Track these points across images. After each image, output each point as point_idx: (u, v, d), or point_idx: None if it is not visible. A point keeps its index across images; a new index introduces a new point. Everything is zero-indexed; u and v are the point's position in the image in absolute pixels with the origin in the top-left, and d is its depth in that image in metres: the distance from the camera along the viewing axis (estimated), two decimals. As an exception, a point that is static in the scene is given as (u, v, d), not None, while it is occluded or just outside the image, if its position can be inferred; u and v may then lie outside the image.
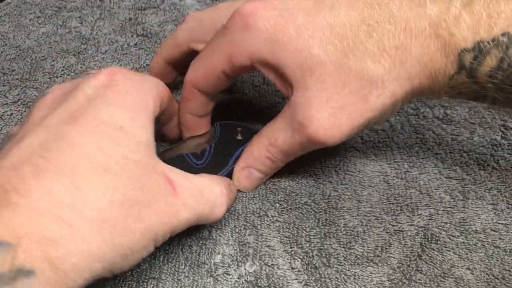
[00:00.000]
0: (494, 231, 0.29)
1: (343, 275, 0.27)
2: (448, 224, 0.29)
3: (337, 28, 0.25)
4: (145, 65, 0.39)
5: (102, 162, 0.20)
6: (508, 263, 0.27)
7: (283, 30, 0.25)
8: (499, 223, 0.29)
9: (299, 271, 0.27)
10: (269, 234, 0.28)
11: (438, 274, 0.27)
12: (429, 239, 0.28)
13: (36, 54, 0.39)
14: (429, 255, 0.28)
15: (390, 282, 0.26)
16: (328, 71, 0.25)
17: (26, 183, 0.19)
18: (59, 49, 0.40)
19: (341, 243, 0.28)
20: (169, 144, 0.33)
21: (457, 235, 0.28)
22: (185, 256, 0.27)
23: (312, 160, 0.32)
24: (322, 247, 0.28)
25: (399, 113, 0.35)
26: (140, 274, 0.26)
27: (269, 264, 0.27)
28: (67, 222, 0.18)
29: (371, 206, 0.30)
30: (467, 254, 0.28)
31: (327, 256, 0.27)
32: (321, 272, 0.27)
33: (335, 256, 0.27)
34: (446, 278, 0.27)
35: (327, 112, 0.25)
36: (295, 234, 0.28)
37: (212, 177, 0.26)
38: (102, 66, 0.39)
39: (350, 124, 0.25)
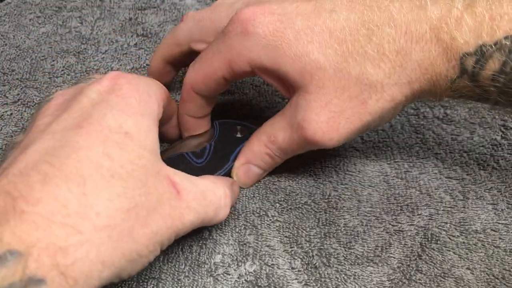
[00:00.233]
0: (494, 231, 0.29)
1: (343, 275, 0.27)
2: (448, 224, 0.29)
3: (336, 32, 0.24)
4: (145, 65, 0.39)
5: (108, 168, 0.20)
6: (508, 263, 0.27)
7: (282, 36, 0.25)
8: (499, 223, 0.29)
9: (299, 271, 0.27)
10: (269, 234, 0.28)
11: (438, 274, 0.27)
12: (429, 239, 0.28)
13: (36, 54, 0.39)
14: (429, 255, 0.28)
15: (390, 282, 0.26)
16: (327, 75, 0.25)
17: (33, 190, 0.19)
18: (59, 49, 0.40)
19: (341, 243, 0.28)
20: (168, 144, 0.33)
21: (457, 235, 0.28)
22: (185, 256, 0.27)
23: (312, 160, 0.32)
24: (322, 247, 0.28)
25: (399, 113, 0.35)
26: (140, 274, 0.26)
27: (269, 264, 0.27)
28: (76, 229, 0.18)
29: (371, 206, 0.30)
30: (467, 254, 0.28)
31: (327, 256, 0.27)
32: (321, 272, 0.27)
33: (335, 256, 0.27)
34: (446, 278, 0.27)
35: (326, 115, 0.25)
36: (295, 234, 0.28)
37: (215, 179, 0.26)
38: (102, 66, 0.39)
39: (348, 128, 0.25)
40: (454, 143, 0.33)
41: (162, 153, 0.30)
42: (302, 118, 0.26)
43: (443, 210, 0.30)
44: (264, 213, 0.29)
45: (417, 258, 0.27)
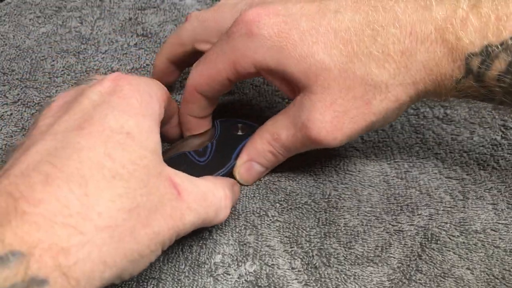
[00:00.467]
0: (494, 231, 0.29)
1: (343, 275, 0.27)
2: (448, 224, 0.29)
3: (341, 33, 0.24)
4: (145, 65, 0.39)
5: (110, 168, 0.20)
6: (508, 263, 0.27)
7: (287, 37, 0.25)
8: (499, 223, 0.29)
9: (299, 271, 0.27)
10: (269, 234, 0.28)
11: (438, 274, 0.27)
12: (429, 239, 0.28)
13: (36, 54, 0.39)
14: (429, 255, 0.28)
15: (390, 282, 0.26)
16: (332, 76, 0.25)
17: (35, 191, 0.18)
18: (59, 49, 0.40)
19: (341, 242, 0.28)
20: (168, 144, 0.33)
21: (457, 235, 0.28)
22: (185, 256, 0.27)
23: (312, 160, 0.32)
24: (322, 247, 0.28)
25: (399, 113, 0.35)
26: (140, 274, 0.26)
27: (269, 264, 0.27)
28: (78, 230, 0.18)
29: (371, 206, 0.30)
30: (467, 254, 0.28)
31: (327, 256, 0.27)
32: (321, 272, 0.27)
33: (335, 256, 0.27)
34: (446, 278, 0.27)
35: (330, 115, 0.25)
36: (295, 234, 0.28)
37: (215, 180, 0.26)
38: (102, 66, 0.39)
39: (352, 128, 0.26)
40: (454, 143, 0.33)
41: (164, 153, 0.30)
42: (307, 117, 0.26)
43: (443, 210, 0.30)
44: (264, 213, 0.29)
45: (417, 258, 0.27)
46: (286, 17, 0.25)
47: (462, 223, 0.29)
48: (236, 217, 0.29)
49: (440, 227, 0.29)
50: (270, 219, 0.29)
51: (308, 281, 0.26)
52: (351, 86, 0.25)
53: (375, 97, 0.25)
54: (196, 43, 0.31)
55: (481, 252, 0.28)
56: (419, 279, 0.27)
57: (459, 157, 0.33)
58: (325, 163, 0.32)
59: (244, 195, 0.30)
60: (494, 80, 0.23)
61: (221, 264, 0.27)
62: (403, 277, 0.27)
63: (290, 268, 0.27)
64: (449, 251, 0.28)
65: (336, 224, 0.29)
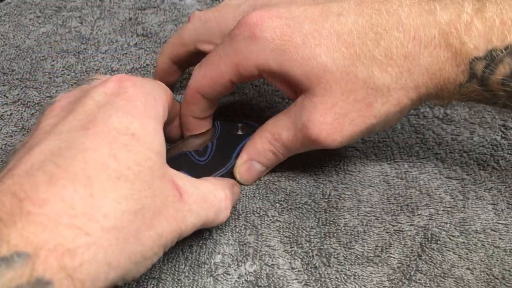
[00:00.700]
0: (494, 231, 0.29)
1: (343, 275, 0.27)
2: (448, 224, 0.29)
3: (344, 36, 0.24)
4: (145, 65, 0.39)
5: (115, 169, 0.20)
6: (508, 263, 0.27)
7: (289, 40, 0.25)
8: (499, 223, 0.29)
9: (299, 271, 0.27)
10: (269, 234, 0.28)
11: (438, 274, 0.27)
12: (429, 239, 0.28)
13: (36, 54, 0.39)
14: (429, 255, 0.28)
15: (390, 282, 0.26)
16: (334, 78, 0.25)
17: (40, 191, 0.18)
18: (59, 49, 0.40)
19: (341, 242, 0.28)
20: (168, 144, 0.33)
21: (457, 235, 0.28)
22: (185, 256, 0.27)
23: (312, 160, 0.32)
24: (322, 247, 0.28)
25: (399, 113, 0.35)
26: (140, 274, 0.26)
27: (269, 264, 0.27)
28: (84, 230, 0.18)
29: (371, 206, 0.30)
30: (467, 254, 0.28)
31: (327, 256, 0.27)
32: (321, 272, 0.27)
33: (335, 256, 0.27)
34: (446, 278, 0.27)
35: (331, 117, 0.25)
36: (295, 234, 0.28)
37: (216, 181, 0.26)
38: (102, 66, 0.39)
39: (352, 130, 0.26)
40: (454, 143, 0.33)
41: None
42: (307, 119, 0.26)
43: (443, 210, 0.30)
44: (264, 213, 0.29)
45: (417, 258, 0.27)
46: (289, 20, 0.25)
47: (462, 223, 0.29)
48: (236, 217, 0.29)
49: (440, 227, 0.29)
50: (270, 219, 0.29)
51: (308, 281, 0.26)
52: (353, 89, 0.25)
53: (376, 100, 0.25)
54: (198, 44, 0.31)
55: (481, 252, 0.28)
56: (419, 279, 0.27)
57: (459, 157, 0.33)
58: (325, 163, 0.32)
59: (244, 195, 0.30)
60: (498, 84, 0.23)
61: (221, 264, 0.27)
62: (403, 277, 0.27)
63: (290, 268, 0.27)
64: (449, 251, 0.28)
65: (336, 224, 0.29)
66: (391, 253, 0.28)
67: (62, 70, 0.38)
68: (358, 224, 0.29)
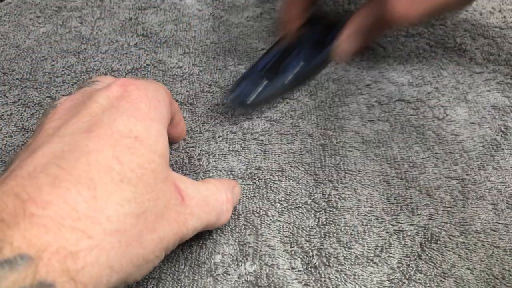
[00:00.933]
0: (494, 231, 0.29)
1: (343, 275, 0.27)
2: (448, 224, 0.29)
3: None
4: (145, 65, 0.39)
5: (119, 172, 0.20)
6: (508, 263, 0.27)
7: None
8: (499, 223, 0.29)
9: (299, 271, 0.27)
10: (269, 233, 0.28)
11: (438, 274, 0.27)
12: (429, 239, 0.28)
13: (36, 54, 0.39)
14: (429, 255, 0.28)
15: (390, 282, 0.26)
16: None
17: (43, 193, 0.18)
18: (59, 49, 0.40)
19: (341, 242, 0.28)
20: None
21: (457, 235, 0.28)
22: (185, 256, 0.27)
23: (312, 160, 0.32)
24: (322, 247, 0.28)
25: (399, 113, 0.35)
26: (140, 274, 0.26)
27: (269, 264, 0.27)
28: (87, 233, 0.18)
29: (371, 206, 0.30)
30: (467, 254, 0.28)
31: (327, 256, 0.27)
32: (321, 272, 0.27)
33: (335, 256, 0.27)
34: (446, 278, 0.27)
35: None
36: (295, 234, 0.28)
37: (218, 184, 0.26)
38: (102, 66, 0.39)
39: (425, 7, 0.30)
40: (454, 143, 0.33)
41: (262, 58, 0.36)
42: (386, 0, 0.30)
43: (443, 210, 0.30)
44: (264, 213, 0.29)
45: (417, 258, 0.27)
46: None
47: (462, 223, 0.29)
48: (236, 217, 0.29)
49: (440, 227, 0.29)
50: (270, 219, 0.29)
51: (308, 281, 0.26)
52: None
53: None
54: None
55: (481, 252, 0.28)
56: (419, 279, 0.27)
57: (459, 157, 0.33)
58: (325, 163, 0.32)
59: (244, 195, 0.30)
60: None
61: (221, 264, 0.27)
62: (403, 277, 0.27)
63: (290, 268, 0.27)
64: (449, 251, 0.28)
65: (336, 224, 0.29)
66: (391, 253, 0.28)
67: (62, 70, 0.38)
68: (358, 224, 0.29)
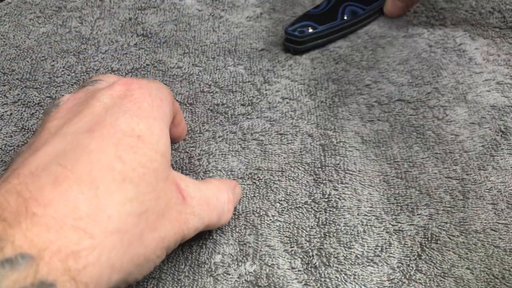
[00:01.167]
0: (494, 231, 0.29)
1: (343, 275, 0.27)
2: (448, 224, 0.29)
3: None
4: (145, 65, 0.39)
5: (121, 171, 0.20)
6: (508, 263, 0.27)
7: None
8: (499, 223, 0.29)
9: (299, 270, 0.27)
10: (269, 233, 0.28)
11: (438, 274, 0.27)
12: (429, 239, 0.28)
13: (36, 54, 0.39)
14: (429, 255, 0.28)
15: (390, 282, 0.26)
16: None
17: (45, 191, 0.18)
18: (59, 49, 0.40)
19: (341, 242, 0.28)
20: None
21: (457, 235, 0.28)
22: (185, 256, 0.27)
23: (312, 160, 0.32)
24: (322, 247, 0.28)
25: (399, 113, 0.35)
26: (140, 273, 0.26)
27: (269, 264, 0.27)
28: (88, 233, 0.18)
29: (371, 206, 0.30)
30: (467, 254, 0.28)
31: (327, 256, 0.27)
32: (321, 271, 0.27)
33: (335, 256, 0.27)
34: (446, 278, 0.27)
35: None
36: (295, 234, 0.28)
37: (219, 184, 0.26)
38: (102, 66, 0.39)
39: None
40: (454, 143, 0.33)
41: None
42: None
43: (443, 210, 0.30)
44: (264, 213, 0.29)
45: (417, 258, 0.27)
46: None
47: (462, 223, 0.29)
48: (236, 217, 0.29)
49: (440, 227, 0.29)
50: (270, 219, 0.29)
51: (308, 281, 0.26)
52: None
53: None
54: None
55: (481, 252, 0.28)
56: (419, 279, 0.27)
57: (459, 157, 0.33)
58: (325, 163, 0.32)
59: (244, 195, 0.30)
60: None
61: (221, 264, 0.27)
62: (403, 277, 0.27)
63: (290, 268, 0.27)
64: (449, 251, 0.28)
65: (336, 224, 0.29)
66: (391, 253, 0.28)
67: (62, 70, 0.38)
68: (358, 224, 0.29)
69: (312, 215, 0.29)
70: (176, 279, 0.26)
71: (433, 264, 0.27)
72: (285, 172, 0.32)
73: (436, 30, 0.42)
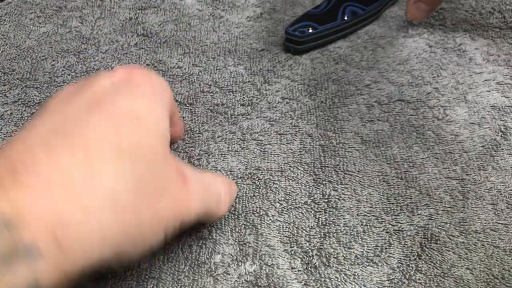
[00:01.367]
0: (494, 231, 0.29)
1: (343, 275, 0.27)
2: (448, 224, 0.29)
3: None
4: (145, 65, 0.39)
5: (118, 148, 0.20)
6: (508, 263, 0.27)
7: None
8: (499, 223, 0.29)
9: (299, 270, 0.27)
10: (269, 233, 0.28)
11: (438, 274, 0.27)
12: (429, 239, 0.28)
13: (36, 54, 0.39)
14: (429, 255, 0.28)
15: (390, 282, 0.26)
16: None
17: (36, 158, 0.18)
18: (59, 49, 0.40)
19: (341, 242, 0.28)
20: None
21: (457, 235, 0.28)
22: (185, 255, 0.27)
23: (311, 160, 0.32)
24: (322, 247, 0.28)
25: (399, 113, 0.35)
26: (140, 273, 0.26)
27: (269, 264, 0.27)
28: (80, 201, 0.18)
29: (371, 206, 0.30)
30: (467, 254, 0.28)
31: (327, 256, 0.27)
32: (321, 272, 0.27)
33: (335, 256, 0.27)
34: (446, 278, 0.27)
35: None
36: (295, 234, 0.28)
37: (216, 176, 0.27)
38: (103, 66, 0.39)
39: None
40: (454, 143, 0.33)
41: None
42: None
43: (442, 210, 0.30)
44: (264, 212, 0.29)
45: (417, 258, 0.27)
46: None
47: (462, 223, 0.29)
48: (236, 217, 0.29)
49: (440, 227, 0.29)
50: (270, 219, 0.29)
51: (308, 281, 0.26)
52: None
53: None
54: None
55: (481, 252, 0.28)
56: (419, 279, 0.27)
57: (459, 157, 0.33)
58: (325, 163, 0.32)
59: (244, 195, 0.30)
60: None
61: (221, 264, 0.27)
62: (402, 277, 0.27)
63: (290, 268, 0.27)
64: (449, 251, 0.28)
65: (336, 224, 0.29)
66: (390, 253, 0.28)
67: (63, 70, 0.38)
68: (358, 224, 0.29)
69: (312, 215, 0.29)
70: (176, 279, 0.26)
71: (433, 264, 0.27)
72: (285, 172, 0.32)
73: (436, 30, 0.42)
